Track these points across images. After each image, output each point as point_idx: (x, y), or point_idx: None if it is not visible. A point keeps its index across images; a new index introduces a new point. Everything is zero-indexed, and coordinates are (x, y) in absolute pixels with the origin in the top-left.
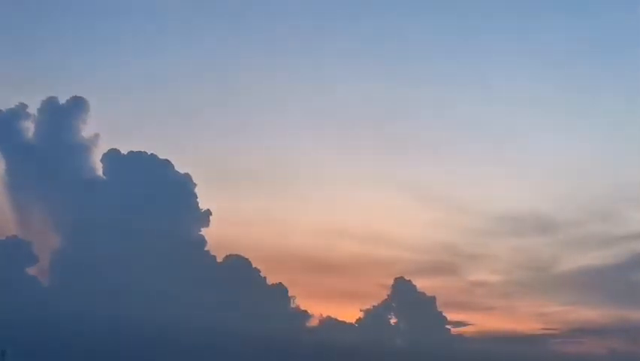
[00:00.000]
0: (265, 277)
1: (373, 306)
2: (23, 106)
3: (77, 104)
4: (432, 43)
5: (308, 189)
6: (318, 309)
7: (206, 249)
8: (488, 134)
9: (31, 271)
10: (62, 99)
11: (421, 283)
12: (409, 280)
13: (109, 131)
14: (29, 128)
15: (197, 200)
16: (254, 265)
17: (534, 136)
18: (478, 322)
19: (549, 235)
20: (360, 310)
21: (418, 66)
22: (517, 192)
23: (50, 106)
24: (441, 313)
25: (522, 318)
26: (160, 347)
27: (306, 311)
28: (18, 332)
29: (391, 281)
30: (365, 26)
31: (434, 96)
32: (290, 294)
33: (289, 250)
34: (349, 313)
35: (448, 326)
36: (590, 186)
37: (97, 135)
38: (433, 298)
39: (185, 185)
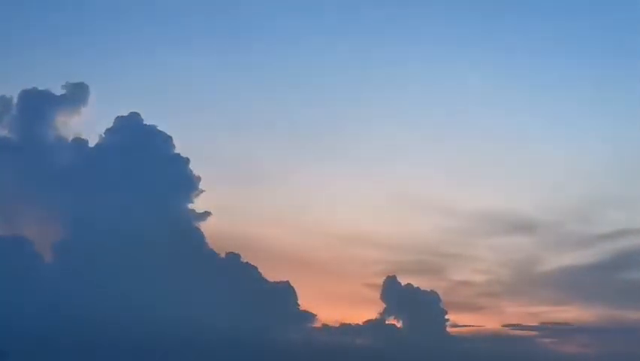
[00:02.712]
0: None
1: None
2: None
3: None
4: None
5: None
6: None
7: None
8: (468, 134)
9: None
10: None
11: (405, 283)
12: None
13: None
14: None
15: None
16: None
17: (512, 136)
18: (467, 322)
19: (528, 234)
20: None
21: (397, 65)
22: (493, 191)
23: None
24: (444, 313)
25: (511, 317)
26: (160, 346)
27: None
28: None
29: (379, 281)
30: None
31: (414, 96)
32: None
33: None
34: (340, 315)
35: (448, 327)
36: (566, 186)
37: None
38: (435, 298)
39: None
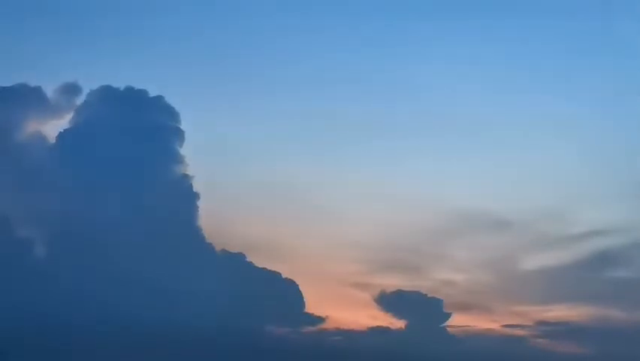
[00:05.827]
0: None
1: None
2: None
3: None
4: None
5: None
6: None
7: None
8: (448, 134)
9: None
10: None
11: (388, 283)
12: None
13: None
14: None
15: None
16: None
17: (490, 135)
18: (459, 322)
19: (504, 234)
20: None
21: (388, 66)
22: (468, 190)
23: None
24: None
25: (501, 317)
26: (160, 345)
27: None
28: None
29: (366, 281)
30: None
31: (391, 94)
32: None
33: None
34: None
35: (448, 327)
36: (539, 185)
37: None
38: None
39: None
